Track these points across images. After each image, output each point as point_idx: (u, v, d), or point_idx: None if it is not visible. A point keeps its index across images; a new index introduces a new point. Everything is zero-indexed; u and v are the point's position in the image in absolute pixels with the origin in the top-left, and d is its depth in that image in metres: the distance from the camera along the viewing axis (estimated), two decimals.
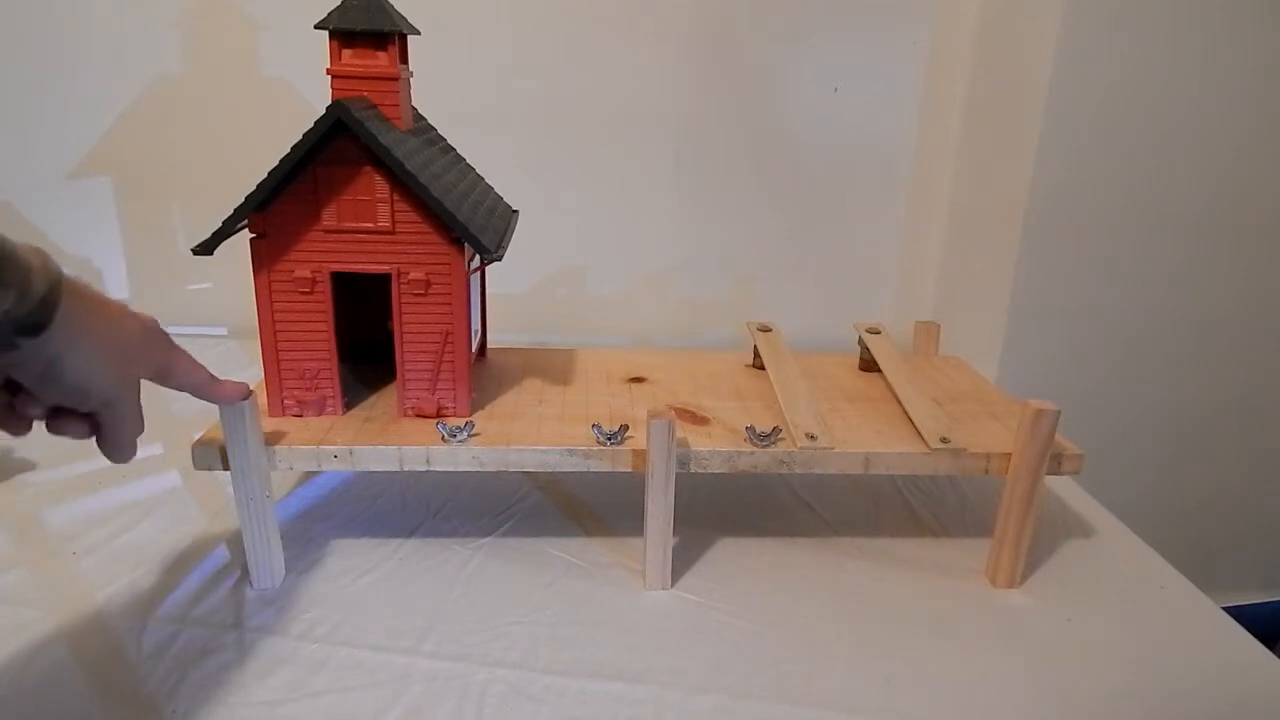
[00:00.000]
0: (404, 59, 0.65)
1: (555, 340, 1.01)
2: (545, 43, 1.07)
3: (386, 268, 0.61)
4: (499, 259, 0.62)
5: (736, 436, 0.65)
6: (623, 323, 1.20)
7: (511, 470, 0.64)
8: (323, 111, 0.57)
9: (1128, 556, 0.73)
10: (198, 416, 0.62)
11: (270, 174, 0.58)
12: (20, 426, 0.45)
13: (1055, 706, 0.55)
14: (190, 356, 0.52)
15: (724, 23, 1.07)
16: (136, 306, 0.47)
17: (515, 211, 0.77)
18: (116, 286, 1.16)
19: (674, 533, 0.63)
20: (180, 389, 0.52)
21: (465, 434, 0.62)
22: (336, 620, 0.60)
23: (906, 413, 0.70)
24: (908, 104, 1.12)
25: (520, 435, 0.64)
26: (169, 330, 0.50)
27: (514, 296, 1.02)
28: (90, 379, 0.43)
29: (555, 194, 1.09)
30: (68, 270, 0.41)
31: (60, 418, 0.45)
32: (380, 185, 0.60)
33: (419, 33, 0.65)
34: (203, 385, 0.53)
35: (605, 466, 0.63)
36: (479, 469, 0.63)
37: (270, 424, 0.63)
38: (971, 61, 1.09)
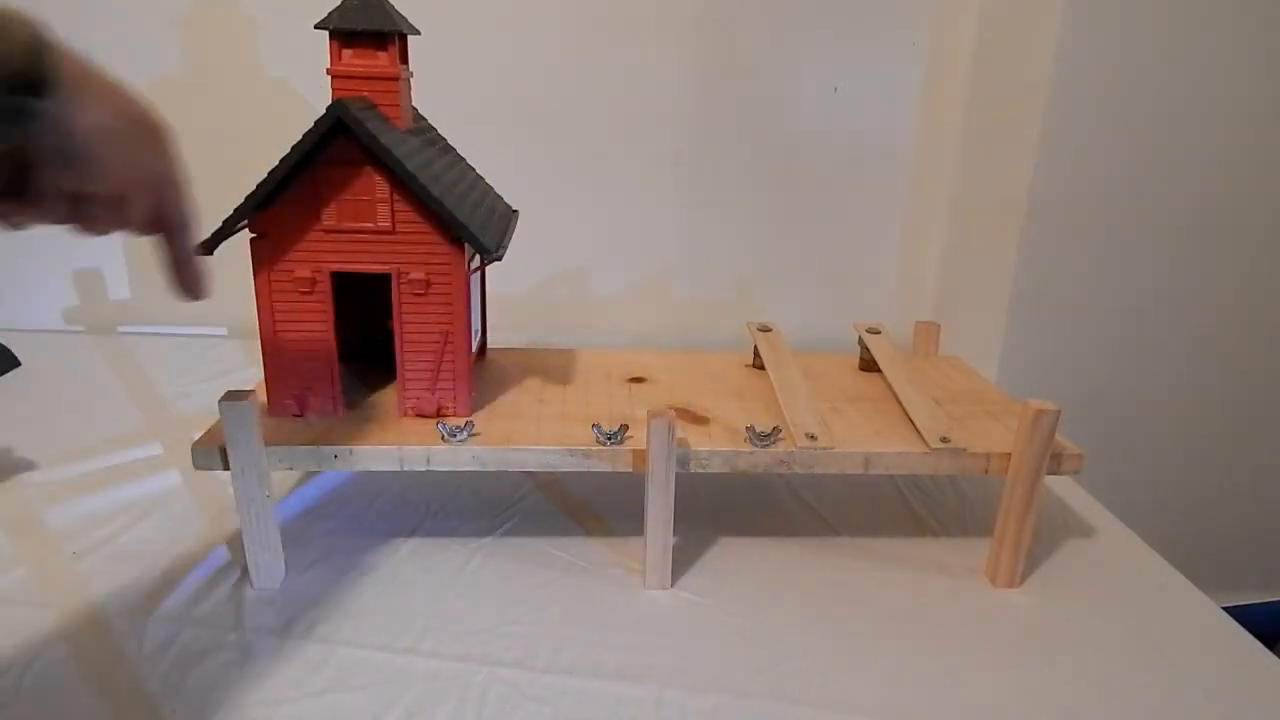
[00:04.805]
0: (404, 59, 0.65)
1: (555, 340, 1.01)
2: (545, 42, 1.07)
3: (386, 268, 0.61)
4: (499, 259, 0.62)
5: (736, 436, 0.65)
6: (623, 323, 1.20)
7: (511, 470, 0.64)
8: (323, 111, 0.57)
9: (1128, 556, 0.73)
10: (198, 416, 0.62)
11: (270, 174, 0.58)
12: (46, 215, 0.43)
13: (1055, 707, 0.55)
14: (188, 196, 0.45)
15: (724, 23, 1.07)
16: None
17: (515, 211, 0.77)
18: (117, 286, 1.15)
19: (674, 533, 0.63)
20: (156, 224, 0.44)
21: (465, 434, 0.62)
22: (336, 620, 0.60)
23: (906, 413, 0.70)
24: (908, 104, 1.12)
25: (520, 435, 0.64)
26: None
27: (514, 296, 1.02)
28: (107, 148, 0.40)
29: (555, 194, 1.09)
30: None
31: (90, 205, 0.42)
32: (380, 185, 0.60)
33: (419, 33, 0.65)
34: (181, 232, 0.45)
35: (605, 466, 0.63)
36: (479, 469, 0.62)
37: (270, 424, 0.63)
38: (971, 61, 1.09)
